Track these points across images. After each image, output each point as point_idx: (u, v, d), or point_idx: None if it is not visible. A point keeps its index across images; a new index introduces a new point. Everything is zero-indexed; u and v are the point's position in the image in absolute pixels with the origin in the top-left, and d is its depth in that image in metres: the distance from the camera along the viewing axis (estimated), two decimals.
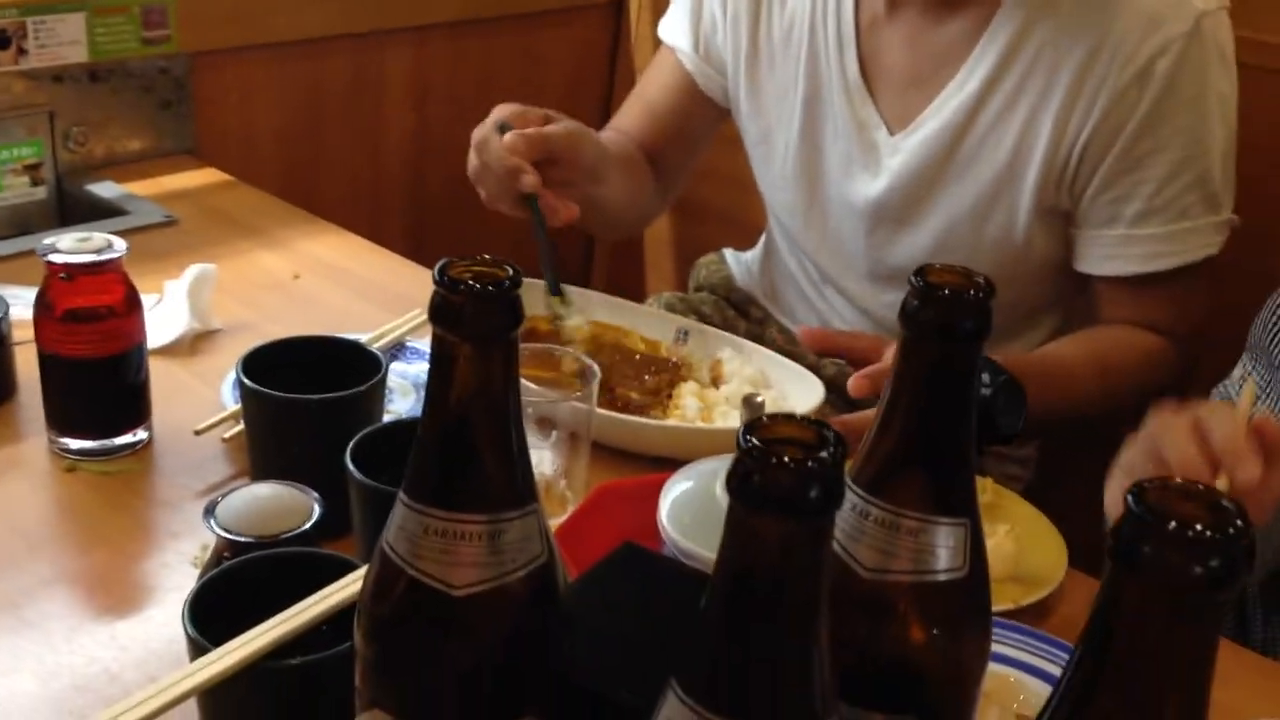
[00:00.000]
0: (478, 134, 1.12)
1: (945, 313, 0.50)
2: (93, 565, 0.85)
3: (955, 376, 0.51)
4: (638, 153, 1.33)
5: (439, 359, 0.49)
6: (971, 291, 0.50)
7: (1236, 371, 1.03)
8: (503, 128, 1.09)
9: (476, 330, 0.48)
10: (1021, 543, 0.88)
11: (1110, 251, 1.13)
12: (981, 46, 1.11)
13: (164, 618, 0.79)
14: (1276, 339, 0.98)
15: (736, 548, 0.40)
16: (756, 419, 0.40)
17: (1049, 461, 1.32)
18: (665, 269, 1.96)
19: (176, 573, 0.84)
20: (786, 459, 0.38)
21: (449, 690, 0.52)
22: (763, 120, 1.27)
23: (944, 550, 0.53)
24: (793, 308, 1.37)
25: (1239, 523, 0.36)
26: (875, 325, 1.26)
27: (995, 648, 0.76)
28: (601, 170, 1.17)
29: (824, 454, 0.39)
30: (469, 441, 0.49)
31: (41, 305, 0.93)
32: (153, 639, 0.78)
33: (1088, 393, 1.10)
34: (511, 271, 0.49)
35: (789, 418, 0.41)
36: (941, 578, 0.53)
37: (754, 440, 0.39)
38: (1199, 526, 0.35)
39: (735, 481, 0.39)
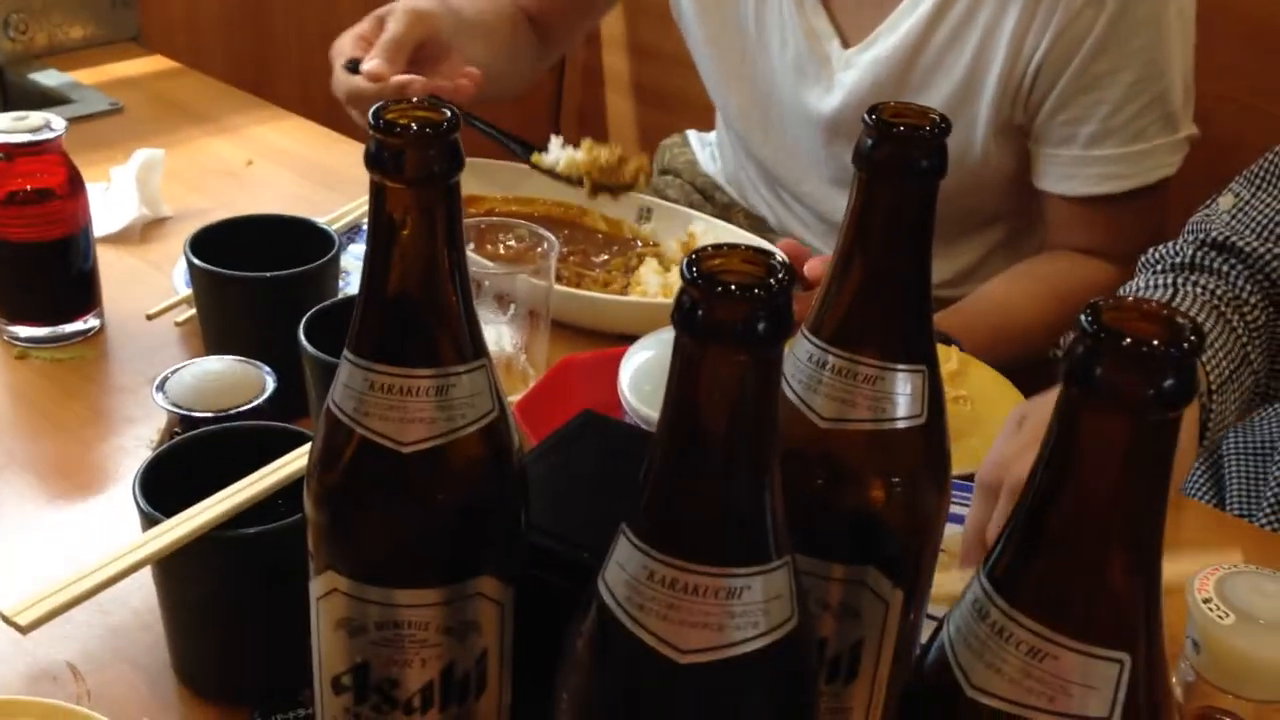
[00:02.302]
0: (341, 90, 1.09)
1: (901, 150, 0.49)
2: (47, 451, 0.84)
3: (912, 217, 0.50)
4: (518, 13, 1.29)
5: (378, 208, 0.47)
6: (927, 128, 0.49)
7: (1227, 200, 0.99)
8: (353, 66, 1.07)
9: (415, 174, 0.46)
10: (985, 406, 0.88)
11: (1066, 171, 1.12)
12: None
13: (121, 501, 0.78)
14: None
15: (683, 384, 0.38)
16: (701, 249, 0.39)
17: None
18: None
19: (133, 457, 0.83)
20: (733, 287, 0.37)
21: (402, 550, 0.51)
22: (709, 23, 1.23)
23: (902, 398, 0.52)
24: (754, 205, 1.35)
25: (1193, 338, 0.35)
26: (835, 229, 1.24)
27: (956, 508, 0.77)
28: (461, 41, 1.14)
29: (771, 282, 0.37)
30: (412, 292, 0.48)
31: None
32: (111, 522, 0.77)
33: (1035, 335, 1.10)
34: (450, 114, 0.47)
35: (734, 248, 0.39)
36: (900, 425, 0.52)
37: (698, 270, 0.37)
38: (1153, 341, 0.34)
39: (680, 313, 0.38)
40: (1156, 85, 1.07)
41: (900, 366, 0.51)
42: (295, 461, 0.63)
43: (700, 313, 0.37)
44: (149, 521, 0.60)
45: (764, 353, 0.38)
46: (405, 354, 0.48)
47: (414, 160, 0.46)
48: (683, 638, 0.39)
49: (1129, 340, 0.34)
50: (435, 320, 0.49)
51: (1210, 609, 0.55)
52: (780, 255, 0.39)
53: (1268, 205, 0.94)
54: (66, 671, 0.66)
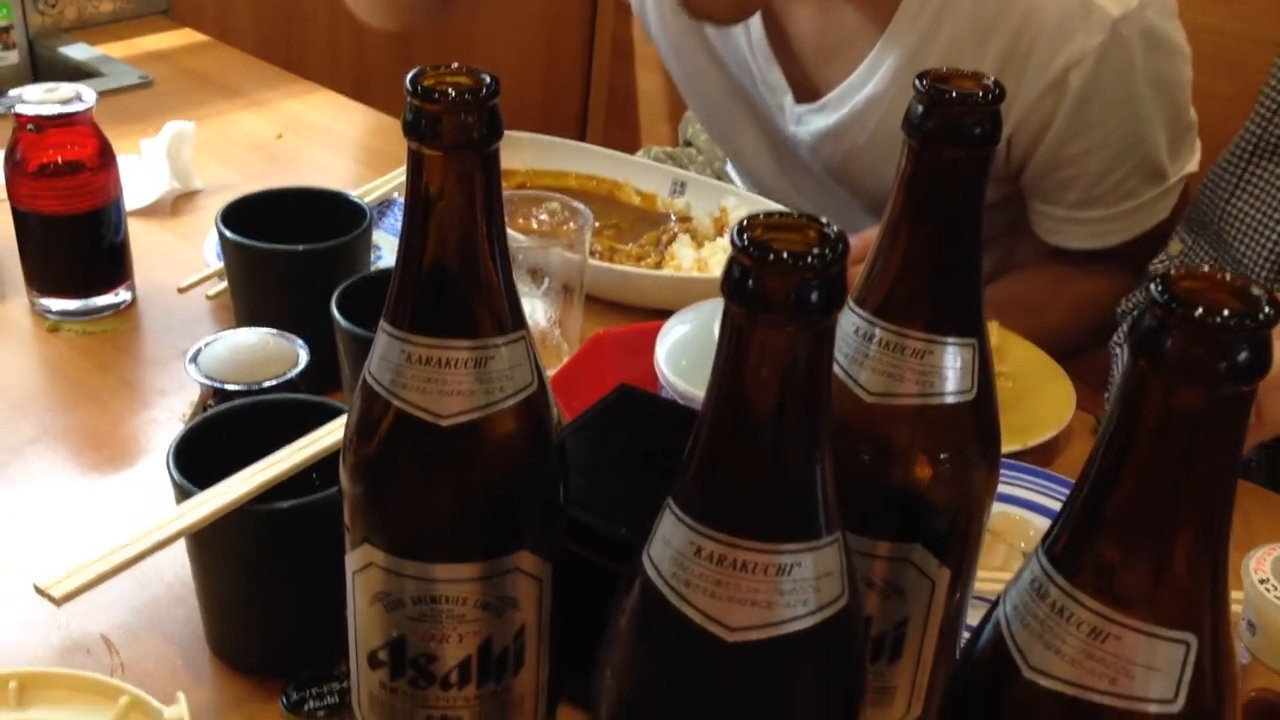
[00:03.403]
0: None
1: (954, 117, 0.47)
2: (79, 423, 0.83)
3: (965, 186, 0.49)
4: None
5: (416, 176, 0.46)
6: (981, 94, 0.47)
7: (1175, 246, 1.00)
8: None
9: (453, 140, 0.45)
10: (1026, 383, 0.86)
11: (1056, 226, 1.10)
12: (883, 44, 1.04)
13: (154, 473, 0.77)
14: (1224, 212, 0.95)
15: (732, 356, 0.37)
16: (751, 216, 0.37)
17: None
18: (660, 128, 1.91)
19: (165, 429, 0.82)
20: (785, 255, 0.36)
21: (440, 525, 0.50)
22: (686, 63, 1.21)
23: (951, 372, 0.50)
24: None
25: (1268, 310, 0.33)
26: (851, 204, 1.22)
27: (1002, 488, 0.75)
28: None
29: (825, 250, 0.36)
30: (450, 262, 0.47)
31: (12, 161, 0.90)
32: (143, 494, 0.77)
33: (1057, 331, 1.07)
34: (489, 80, 0.46)
35: (786, 215, 0.38)
36: (949, 400, 0.51)
37: (749, 238, 0.36)
38: (1225, 313, 0.33)
39: (729, 283, 0.36)
40: (1137, 151, 1.05)
41: (950, 340, 0.50)
42: (330, 435, 0.62)
43: (751, 282, 0.36)
44: (183, 495, 0.59)
45: (816, 324, 0.37)
46: (443, 325, 0.47)
47: (452, 127, 0.45)
48: (731, 615, 0.38)
49: (1203, 310, 0.33)
50: (473, 291, 0.47)
51: (1267, 589, 0.53)
52: (833, 224, 0.37)
53: (1206, 252, 0.95)
54: (100, 644, 0.65)
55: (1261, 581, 0.54)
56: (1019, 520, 0.75)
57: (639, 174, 1.15)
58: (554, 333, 0.89)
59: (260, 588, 0.62)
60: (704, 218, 1.10)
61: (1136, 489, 0.35)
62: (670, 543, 0.39)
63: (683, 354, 0.79)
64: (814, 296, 0.36)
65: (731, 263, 0.37)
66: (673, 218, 1.12)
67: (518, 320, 0.49)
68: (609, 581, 0.44)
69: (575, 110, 2.00)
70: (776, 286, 0.36)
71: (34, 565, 0.70)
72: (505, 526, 0.51)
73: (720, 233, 1.07)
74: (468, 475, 0.49)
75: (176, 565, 0.66)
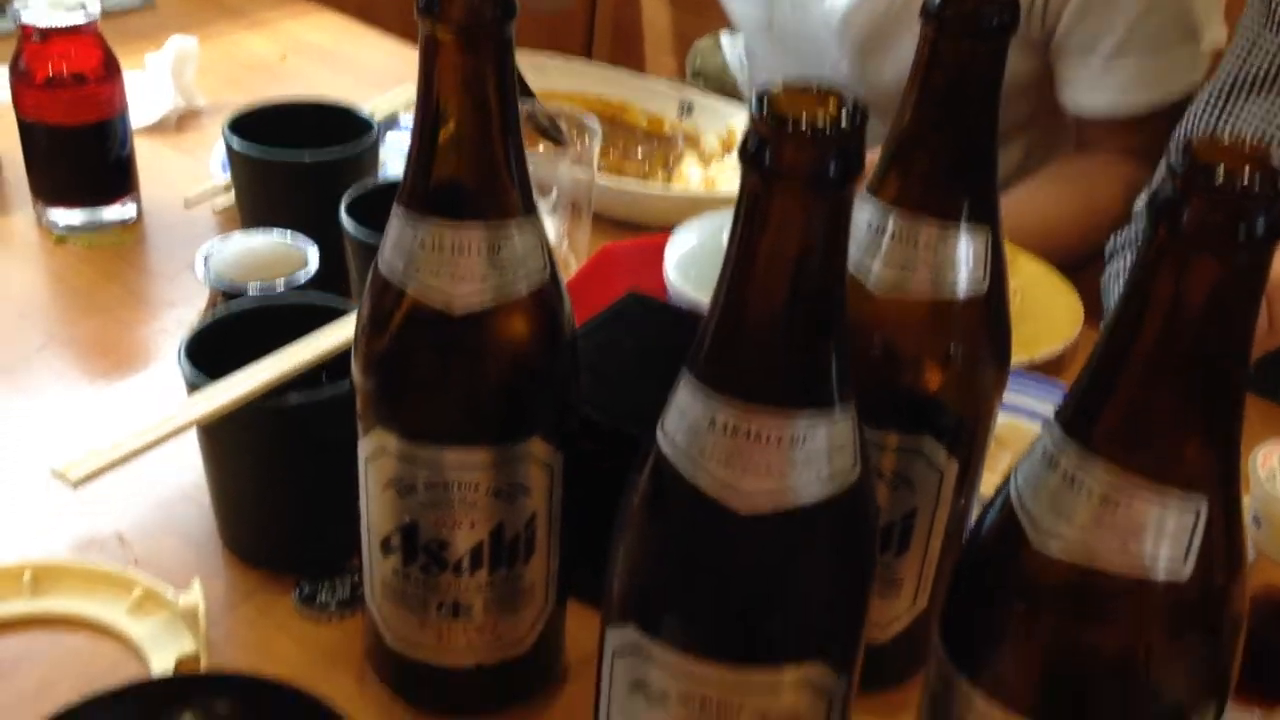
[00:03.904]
0: None
1: (971, 6, 0.47)
2: (87, 332, 0.83)
3: (982, 75, 0.48)
4: None
5: (429, 57, 0.46)
6: None
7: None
8: None
9: (465, 20, 0.44)
10: (1035, 297, 0.86)
11: (1088, 84, 1.08)
12: None
13: (163, 380, 0.78)
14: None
15: (749, 226, 0.37)
16: (769, 84, 0.37)
17: None
18: (665, 61, 1.90)
19: (174, 339, 0.81)
20: (804, 123, 0.36)
21: (452, 410, 0.50)
22: None
23: (964, 264, 0.50)
24: None
25: None
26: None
27: (1010, 398, 0.75)
28: None
29: (843, 120, 0.36)
30: (463, 145, 0.47)
31: (18, 72, 0.90)
32: (152, 401, 0.77)
33: (1069, 239, 1.07)
34: None
35: (804, 86, 0.38)
36: (961, 292, 0.51)
37: (767, 107, 0.36)
38: (1245, 178, 0.33)
39: (747, 151, 0.36)
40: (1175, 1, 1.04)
41: (963, 230, 0.50)
42: (341, 333, 0.62)
43: (768, 150, 0.36)
44: (194, 390, 0.59)
45: (834, 193, 0.37)
46: (456, 207, 0.47)
47: (463, 4, 0.44)
48: (744, 485, 0.39)
49: (1222, 175, 0.33)
50: (486, 173, 0.47)
51: (1274, 485, 0.53)
52: (853, 94, 0.37)
53: None
54: (113, 541, 0.66)
55: (1269, 476, 0.54)
56: (1025, 430, 0.76)
57: (646, 96, 1.15)
58: (562, 245, 0.89)
59: (271, 483, 0.62)
60: (711, 138, 1.09)
61: (1152, 357, 0.35)
62: (685, 414, 0.40)
63: (691, 264, 0.79)
64: (832, 165, 0.36)
65: (749, 131, 0.37)
66: (680, 139, 1.11)
67: (529, 206, 0.49)
68: (618, 479, 0.44)
69: (580, 43, 1.98)
70: (794, 154, 0.36)
71: (44, 467, 0.70)
72: (517, 412, 0.51)
73: (728, 151, 1.06)
74: (480, 360, 0.49)
75: (189, 464, 0.66)
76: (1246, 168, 0.33)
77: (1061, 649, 0.39)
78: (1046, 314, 0.86)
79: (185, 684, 0.53)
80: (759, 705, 0.41)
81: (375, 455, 0.51)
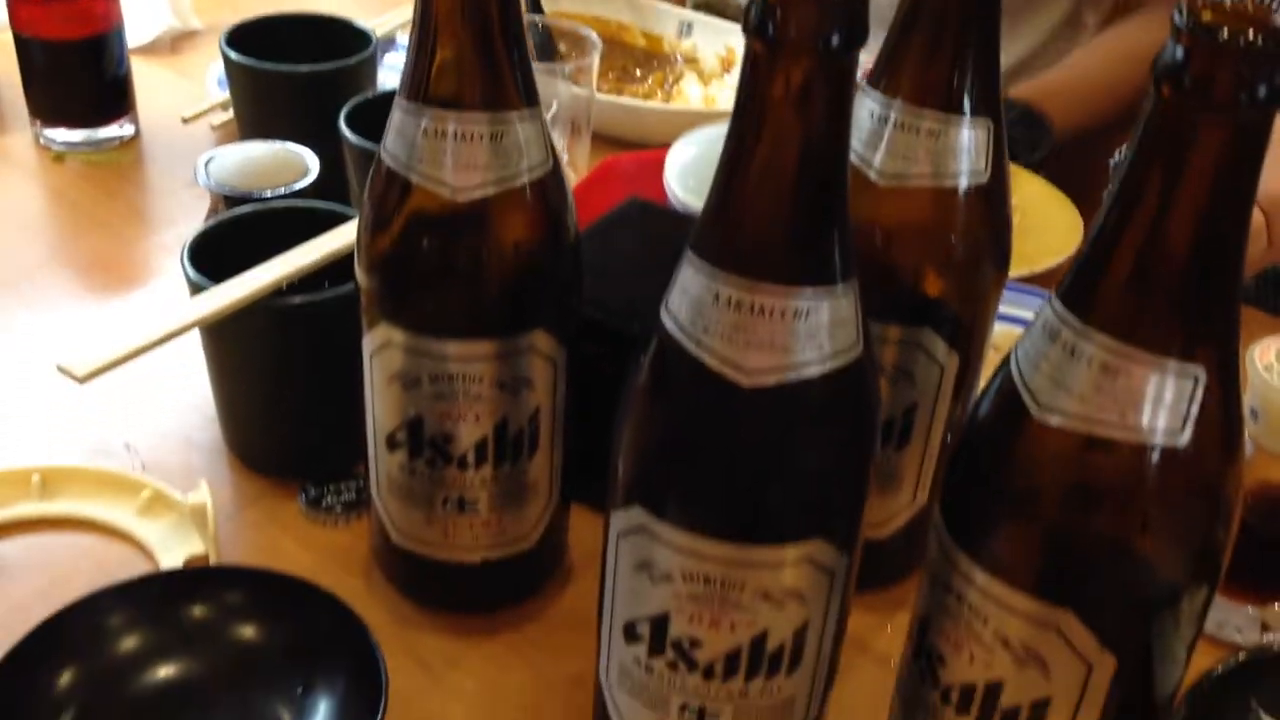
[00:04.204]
0: None
1: None
2: (88, 248, 0.84)
3: None
4: None
5: None
6: None
7: None
8: None
9: None
10: (1035, 215, 0.86)
11: None
12: None
13: (165, 294, 0.78)
14: None
15: (752, 95, 0.37)
16: None
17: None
18: None
19: (174, 254, 0.82)
20: None
21: (456, 301, 0.50)
22: None
23: (965, 152, 0.50)
24: None
25: None
26: None
27: (1009, 309, 0.76)
28: None
29: None
30: (464, 31, 0.46)
31: None
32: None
33: (1120, 101, 1.05)
34: None
35: None
36: (962, 181, 0.51)
37: None
38: (1249, 35, 0.33)
39: (749, 18, 0.36)
40: None
41: (965, 120, 0.50)
42: (344, 236, 0.62)
43: (771, 17, 0.36)
44: (197, 291, 0.59)
45: (836, 60, 0.37)
46: (459, 96, 0.47)
47: None
48: (748, 359, 0.39)
49: (1226, 33, 0.33)
50: (488, 61, 0.47)
51: (1271, 376, 0.54)
52: None
53: None
54: (121, 449, 0.66)
55: (1266, 368, 0.54)
56: None
57: (645, 15, 1.14)
58: (561, 160, 0.88)
59: (276, 386, 0.62)
60: (711, 57, 1.09)
61: (1153, 223, 0.36)
62: (688, 291, 0.40)
63: (691, 174, 0.79)
64: (835, 31, 0.36)
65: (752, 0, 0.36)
66: (679, 59, 1.10)
67: (531, 97, 0.49)
68: (620, 381, 0.44)
69: None
70: (797, 19, 0.36)
71: (48, 376, 0.71)
72: (520, 303, 0.51)
73: (728, 71, 1.06)
74: (483, 249, 0.50)
75: (194, 373, 0.66)
76: (1250, 27, 0.33)
77: (1061, 522, 0.39)
78: (1047, 229, 0.86)
79: (196, 577, 0.54)
80: (762, 583, 0.42)
81: (380, 349, 0.52)
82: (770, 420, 0.40)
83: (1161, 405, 0.36)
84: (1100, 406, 0.37)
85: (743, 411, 0.40)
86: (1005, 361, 0.41)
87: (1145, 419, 0.37)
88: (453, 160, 0.48)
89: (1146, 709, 0.43)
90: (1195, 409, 0.37)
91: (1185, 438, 0.37)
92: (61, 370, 0.52)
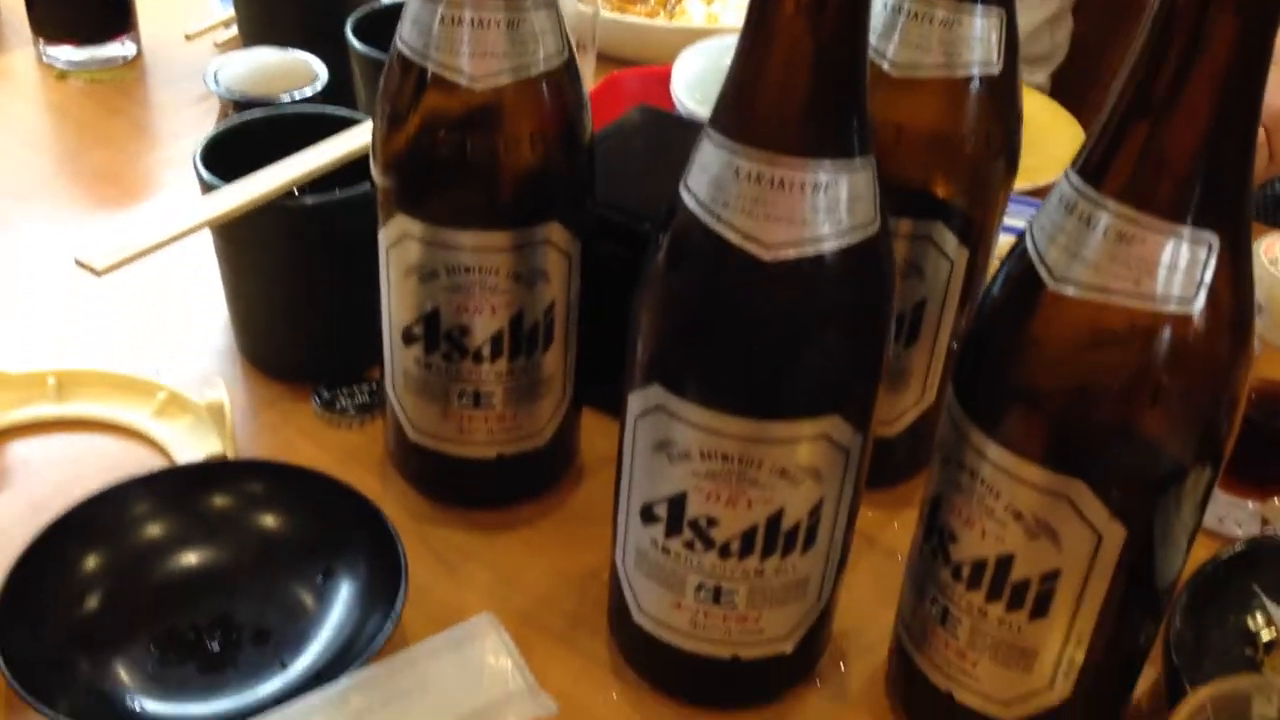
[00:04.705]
0: None
1: None
2: (95, 163, 0.84)
3: None
4: None
5: None
6: None
7: None
8: None
9: None
10: (1039, 131, 0.86)
11: None
12: None
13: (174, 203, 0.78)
14: None
15: None
16: None
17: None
18: None
19: (180, 169, 0.82)
20: None
21: (473, 191, 0.51)
22: None
23: (978, 43, 0.51)
24: None
25: None
26: None
27: (1015, 221, 0.76)
28: None
29: None
30: None
31: None
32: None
33: None
34: None
35: None
36: (974, 72, 0.51)
37: None
38: None
39: None
40: None
41: (977, 9, 0.50)
42: (356, 138, 0.62)
43: None
44: (210, 191, 0.60)
45: None
46: None
47: None
48: (767, 233, 0.39)
49: None
50: None
51: (1277, 270, 0.55)
52: None
53: None
54: (136, 355, 0.67)
55: (1272, 262, 0.55)
56: None
57: None
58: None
59: (290, 288, 0.63)
60: None
61: (1168, 93, 0.36)
62: (708, 168, 0.40)
63: (698, 86, 0.79)
64: None
65: None
66: None
67: None
68: (632, 280, 0.45)
69: None
70: None
71: (62, 281, 0.71)
72: (536, 193, 0.51)
73: None
74: (499, 138, 0.50)
75: (207, 279, 0.67)
76: None
77: (1074, 393, 0.40)
78: (1051, 144, 0.86)
79: (218, 469, 0.55)
80: (779, 460, 0.43)
81: (397, 242, 0.52)
82: (789, 294, 0.41)
83: (1176, 271, 0.37)
84: (1115, 275, 0.38)
85: (762, 285, 0.40)
86: (1019, 240, 0.42)
87: (1159, 285, 0.37)
88: (469, 48, 0.48)
89: (1150, 590, 0.44)
90: (1209, 275, 0.37)
91: (1198, 305, 0.38)
92: (80, 264, 0.52)
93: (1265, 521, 0.60)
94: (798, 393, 0.42)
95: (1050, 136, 0.87)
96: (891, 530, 0.60)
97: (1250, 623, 0.52)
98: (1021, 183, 0.80)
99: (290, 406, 0.64)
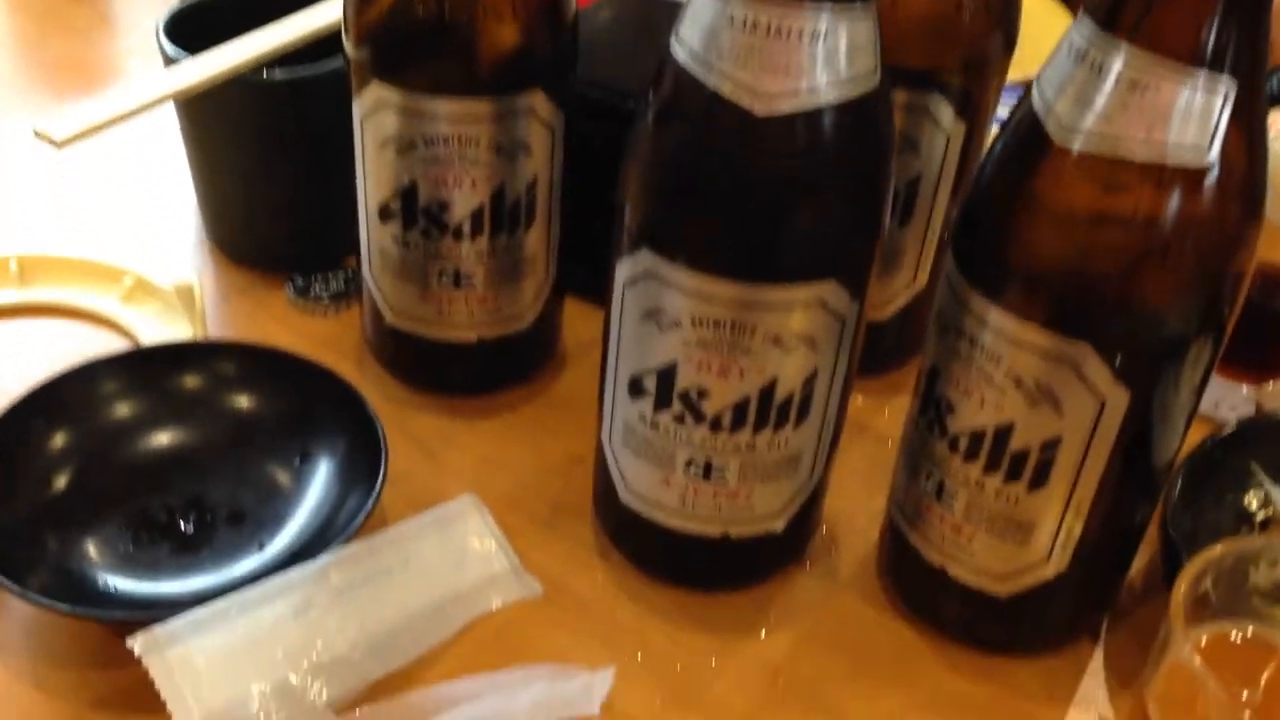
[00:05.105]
0: None
1: None
2: (56, 55, 0.81)
3: None
4: None
5: None
6: None
7: None
8: None
9: None
10: (1034, 24, 0.84)
11: None
12: None
13: None
14: None
15: None
16: None
17: None
18: None
19: (146, 56, 0.79)
20: None
21: (451, 53, 0.48)
22: None
23: None
24: None
25: None
26: None
27: (1004, 111, 0.75)
28: None
29: None
30: None
31: None
32: None
33: None
34: None
35: None
36: None
37: None
38: None
39: None
40: None
41: None
42: (326, 15, 0.60)
43: None
44: (172, 65, 0.57)
45: None
46: None
47: None
48: (762, 85, 0.38)
49: None
50: None
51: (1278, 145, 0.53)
52: None
53: None
54: (100, 241, 0.64)
55: (1274, 138, 0.54)
56: None
57: None
58: None
59: (259, 169, 0.60)
60: None
61: None
62: (700, 18, 0.38)
63: None
64: None
65: None
66: None
67: None
68: (614, 158, 0.43)
69: None
70: None
71: (20, 167, 0.69)
72: (518, 60, 0.49)
73: None
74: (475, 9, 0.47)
75: (174, 160, 0.64)
76: None
77: (1081, 251, 0.38)
78: (1044, 38, 0.84)
79: (190, 350, 0.53)
80: (772, 326, 0.41)
81: (372, 111, 0.50)
82: (785, 148, 0.39)
83: (1189, 119, 0.36)
84: (1127, 123, 0.36)
85: (756, 139, 0.39)
86: (1024, 96, 0.40)
87: (1172, 133, 0.36)
88: None
89: (1149, 463, 0.43)
90: (1223, 124, 0.36)
91: (1212, 156, 0.36)
92: (38, 135, 0.50)
93: (1259, 406, 0.59)
94: (793, 255, 0.41)
95: (1044, 30, 0.85)
96: (882, 417, 0.59)
97: (1246, 501, 0.51)
98: (1014, 75, 0.79)
99: (263, 295, 0.62)
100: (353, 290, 0.62)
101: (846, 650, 0.48)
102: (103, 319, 0.59)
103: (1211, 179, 0.37)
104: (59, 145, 0.50)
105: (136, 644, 0.39)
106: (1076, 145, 0.37)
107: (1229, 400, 0.59)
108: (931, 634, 0.48)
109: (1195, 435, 0.51)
